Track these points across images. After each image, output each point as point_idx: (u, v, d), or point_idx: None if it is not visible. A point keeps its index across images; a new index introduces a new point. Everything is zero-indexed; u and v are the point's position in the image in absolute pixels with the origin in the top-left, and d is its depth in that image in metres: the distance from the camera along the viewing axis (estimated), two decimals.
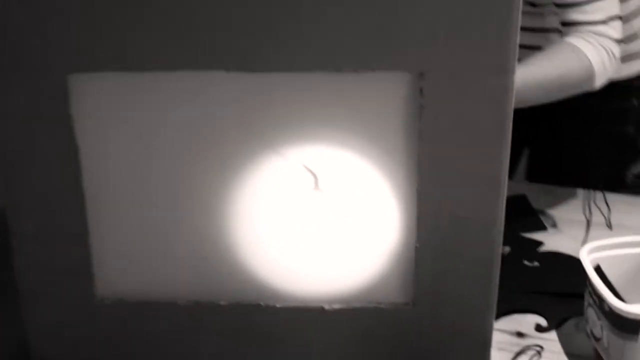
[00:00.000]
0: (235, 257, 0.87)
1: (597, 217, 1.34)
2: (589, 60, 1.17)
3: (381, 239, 0.86)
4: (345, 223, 0.85)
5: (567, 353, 0.99)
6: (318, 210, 0.84)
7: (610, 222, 1.34)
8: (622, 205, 1.37)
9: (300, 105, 0.80)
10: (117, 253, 0.87)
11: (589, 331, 0.96)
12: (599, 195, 1.39)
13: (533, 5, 1.31)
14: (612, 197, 1.39)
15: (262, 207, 0.85)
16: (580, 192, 1.41)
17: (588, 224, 1.31)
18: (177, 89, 0.80)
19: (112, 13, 0.75)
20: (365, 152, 0.82)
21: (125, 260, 0.87)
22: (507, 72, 0.75)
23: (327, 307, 0.87)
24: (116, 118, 0.82)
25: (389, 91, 0.79)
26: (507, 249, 1.18)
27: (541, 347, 0.99)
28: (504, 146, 0.78)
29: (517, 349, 0.99)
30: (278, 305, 0.87)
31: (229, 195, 0.84)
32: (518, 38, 0.74)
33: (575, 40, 1.18)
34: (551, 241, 1.24)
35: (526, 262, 1.18)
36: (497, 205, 0.80)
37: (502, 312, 1.04)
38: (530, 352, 0.98)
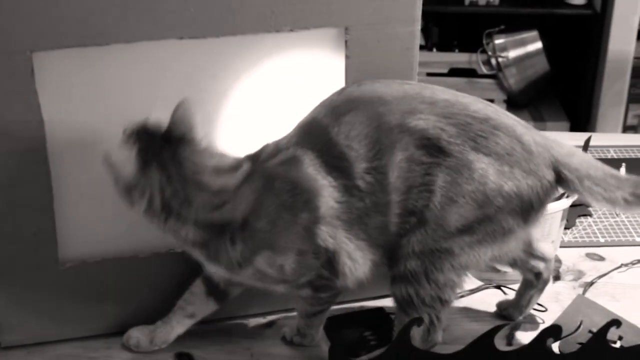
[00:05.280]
0: None
1: None
2: None
3: None
4: None
5: None
6: None
7: None
8: None
9: (242, 65, 0.93)
10: (78, 217, 0.93)
11: None
12: None
13: None
14: None
15: None
16: None
17: None
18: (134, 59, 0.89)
19: None
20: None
21: (86, 222, 0.94)
22: (414, 22, 0.93)
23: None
24: (78, 90, 0.89)
25: (318, 46, 0.94)
26: None
27: None
28: None
29: None
30: None
31: None
32: None
33: None
34: None
35: None
36: None
37: None
38: None
